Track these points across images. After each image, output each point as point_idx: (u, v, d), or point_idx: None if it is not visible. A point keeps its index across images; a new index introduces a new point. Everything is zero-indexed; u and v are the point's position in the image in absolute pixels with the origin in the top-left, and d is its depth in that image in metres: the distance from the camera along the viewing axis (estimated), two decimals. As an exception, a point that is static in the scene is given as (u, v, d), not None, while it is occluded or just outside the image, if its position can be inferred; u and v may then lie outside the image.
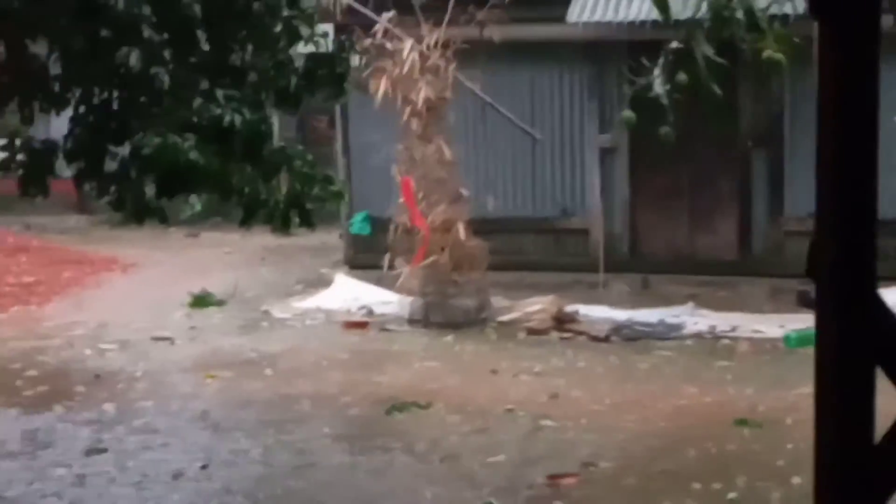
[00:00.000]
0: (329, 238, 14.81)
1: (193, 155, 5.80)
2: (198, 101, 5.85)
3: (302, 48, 6.11)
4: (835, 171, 1.54)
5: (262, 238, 13.87)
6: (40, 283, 12.92)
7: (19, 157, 7.04)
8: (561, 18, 11.35)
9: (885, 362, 1.58)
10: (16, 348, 10.01)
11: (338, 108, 13.12)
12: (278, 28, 5.93)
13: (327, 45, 6.20)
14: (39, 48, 6.69)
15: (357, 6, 11.53)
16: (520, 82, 12.11)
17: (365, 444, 7.18)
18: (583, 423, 7.57)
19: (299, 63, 6.11)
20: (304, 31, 5.92)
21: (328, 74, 6.13)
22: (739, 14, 5.19)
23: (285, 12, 5.90)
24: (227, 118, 5.79)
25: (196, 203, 16.98)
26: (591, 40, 11.55)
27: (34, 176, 6.97)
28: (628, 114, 9.32)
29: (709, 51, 5.21)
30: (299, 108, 6.65)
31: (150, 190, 5.90)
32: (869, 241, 1.55)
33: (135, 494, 6.33)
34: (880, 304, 1.59)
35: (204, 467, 6.74)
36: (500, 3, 10.76)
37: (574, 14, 11.36)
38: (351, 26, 11.27)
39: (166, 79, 5.67)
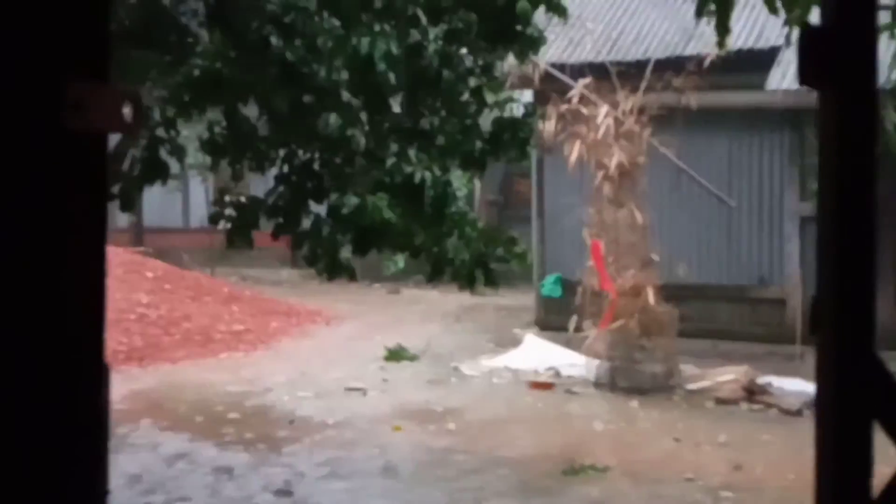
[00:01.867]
0: (525, 299, 15.02)
1: (388, 213, 6.13)
2: (391, 161, 6.18)
3: (488, 114, 6.37)
4: (835, 233, 1.59)
5: (459, 297, 14.22)
6: (249, 332, 13.68)
7: (227, 211, 7.60)
8: (760, 85, 11.24)
9: (884, 420, 1.60)
10: (221, 392, 10.64)
11: (534, 172, 13.38)
12: (465, 95, 6.21)
13: (512, 111, 6.43)
14: (250, 111, 7.25)
15: (554, 72, 11.80)
16: (717, 149, 12.02)
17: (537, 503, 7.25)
18: (764, 498, 7.38)
19: (486, 128, 6.38)
20: (490, 97, 6.18)
21: (512, 138, 6.35)
22: (924, 82, 5.09)
23: (473, 81, 6.18)
24: (417, 175, 6.08)
25: (399, 261, 17.60)
26: (791, 107, 11.36)
27: (240, 229, 7.50)
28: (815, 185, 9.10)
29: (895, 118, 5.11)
30: (484, 171, 6.90)
31: (343, 247, 6.26)
32: (868, 301, 1.58)
33: (314, 535, 6.63)
34: (878, 363, 1.61)
35: (381, 514, 6.98)
36: (698, 70, 10.77)
37: (774, 81, 11.22)
38: (548, 92, 11.56)
39: (362, 140, 6.03)
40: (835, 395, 1.61)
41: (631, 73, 11.06)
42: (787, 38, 4.45)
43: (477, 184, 19.82)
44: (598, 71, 11.44)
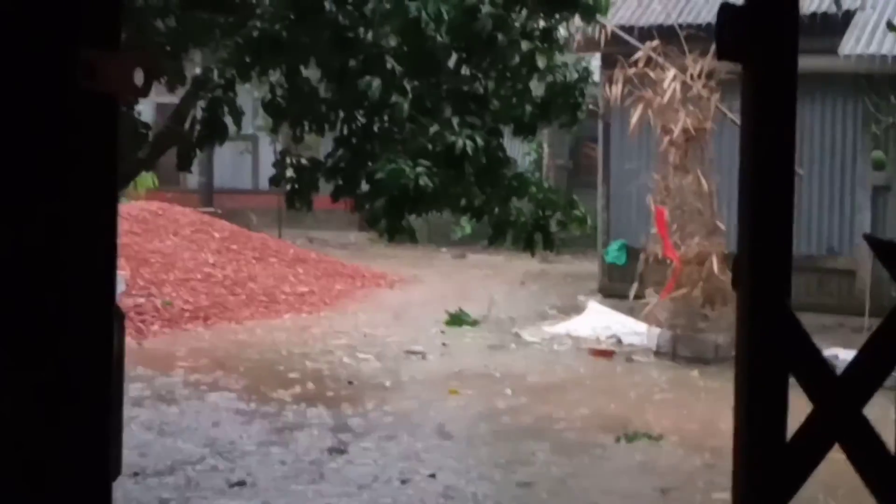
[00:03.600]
0: (590, 265, 14.93)
1: (423, 180, 6.11)
2: (434, 129, 6.16)
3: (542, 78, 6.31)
4: (751, 197, 1.56)
5: (525, 263, 14.20)
6: (313, 294, 13.82)
7: (288, 173, 7.65)
8: (833, 50, 10.95)
9: (796, 368, 1.61)
10: (284, 352, 10.78)
11: (600, 137, 13.24)
12: (517, 60, 6.15)
13: (566, 76, 6.36)
14: (311, 74, 7.27)
15: (622, 34, 11.63)
16: (788, 115, 11.77)
17: (585, 466, 7.24)
18: (821, 469, 7.26)
19: (538, 92, 6.32)
20: (542, 62, 6.11)
21: (563, 104, 6.29)
22: None
23: (525, 45, 6.12)
24: (458, 144, 6.05)
25: (466, 226, 17.73)
26: (865, 73, 11.05)
27: (300, 191, 7.55)
28: (878, 154, 8.88)
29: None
30: (535, 135, 6.84)
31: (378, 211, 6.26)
32: (783, 259, 1.57)
33: (364, 495, 6.70)
34: (792, 318, 1.62)
35: (432, 475, 7.02)
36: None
37: (848, 46, 10.93)
38: (616, 55, 11.41)
39: (406, 107, 6.02)
40: (750, 348, 1.63)
41: (700, 36, 10.86)
42: (863, 2, 4.30)
43: (545, 148, 19.71)
44: (667, 33, 11.26)
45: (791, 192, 1.60)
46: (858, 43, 10.85)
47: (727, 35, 1.57)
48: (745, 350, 1.66)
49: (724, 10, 1.56)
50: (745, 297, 1.64)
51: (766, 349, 1.62)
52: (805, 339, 1.68)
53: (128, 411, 8.29)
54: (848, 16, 10.99)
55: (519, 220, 6.95)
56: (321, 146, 11.47)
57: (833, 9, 10.60)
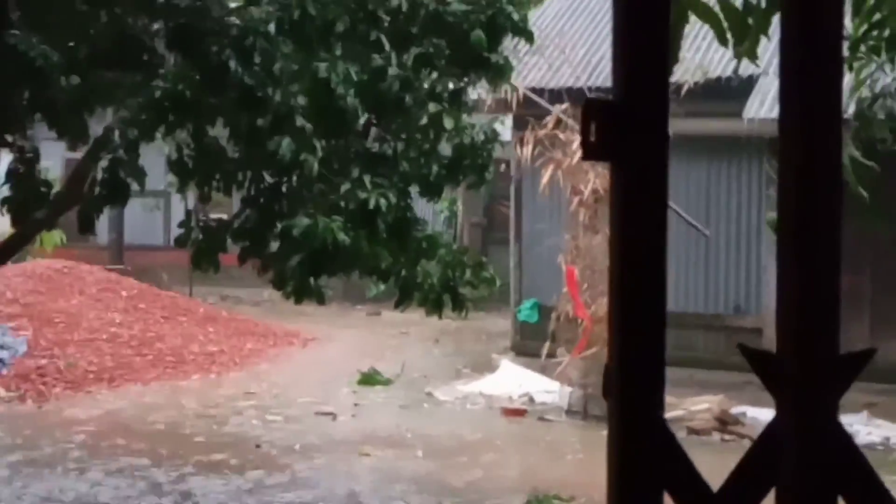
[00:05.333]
0: (506, 323, 14.93)
1: (341, 236, 6.06)
2: (346, 186, 6.13)
3: (448, 140, 6.33)
4: (623, 304, 1.55)
5: (440, 320, 14.13)
6: (223, 353, 13.57)
7: (195, 234, 7.52)
8: (737, 113, 11.22)
9: (670, 485, 1.58)
10: (189, 415, 10.53)
11: (512, 197, 13.34)
12: (424, 121, 6.16)
13: (473, 137, 6.39)
14: (219, 133, 7.18)
15: (533, 97, 11.77)
16: (695, 176, 12.00)
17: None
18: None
19: (446, 153, 6.33)
20: (449, 123, 6.13)
21: (471, 165, 6.31)
22: (881, 116, 5.06)
23: (432, 107, 6.14)
24: (372, 201, 6.03)
25: (379, 283, 17.37)
26: (768, 135, 11.33)
27: (207, 252, 7.42)
28: (772, 216, 9.05)
29: (855, 152, 5.08)
30: (441, 196, 6.85)
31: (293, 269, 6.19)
32: (656, 369, 1.55)
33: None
34: (666, 430, 1.59)
35: (339, 543, 6.88)
36: (675, 98, 10.75)
37: (752, 110, 11.20)
38: (526, 117, 11.53)
39: (315, 166, 5.98)
40: (622, 464, 1.59)
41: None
42: (766, 67, 4.39)
43: (460, 207, 19.79)
44: (576, 96, 11.41)
45: (663, 299, 1.57)
46: (762, 107, 11.13)
47: (594, 133, 1.54)
48: (616, 466, 1.62)
49: (590, 106, 1.54)
50: (616, 409, 1.60)
51: (639, 465, 1.58)
52: (680, 455, 1.64)
53: (14, 481, 8.00)
54: (751, 81, 11.28)
55: (426, 283, 6.92)
56: (233, 203, 11.35)
57: (736, 74, 10.87)
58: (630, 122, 1.55)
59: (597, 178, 10.73)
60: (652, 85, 1.59)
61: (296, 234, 6.03)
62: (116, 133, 6.47)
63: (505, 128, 12.71)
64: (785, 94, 1.63)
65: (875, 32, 4.87)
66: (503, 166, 11.94)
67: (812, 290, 1.58)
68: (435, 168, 6.21)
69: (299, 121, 5.91)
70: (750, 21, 4.04)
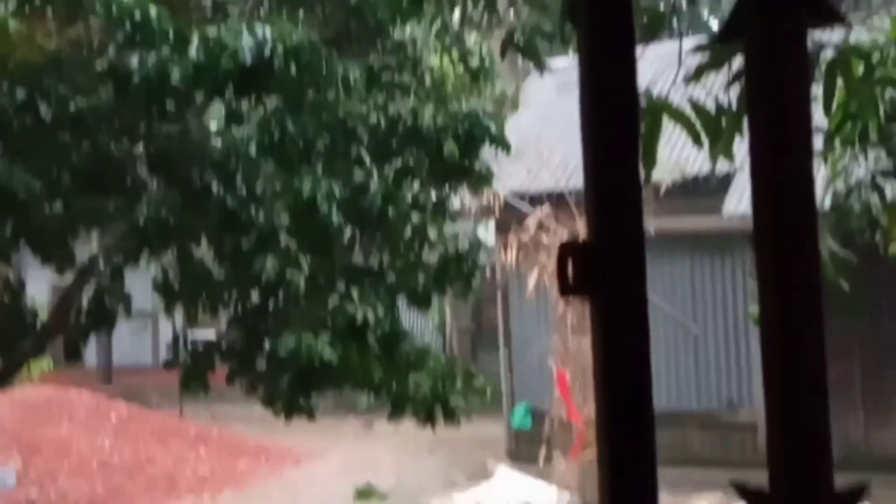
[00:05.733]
0: (500, 428, 14.78)
1: (328, 354, 6.04)
2: (333, 302, 6.13)
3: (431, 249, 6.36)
4: (611, 443, 1.53)
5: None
6: (216, 474, 13.35)
7: (182, 356, 7.48)
8: (717, 209, 11.32)
9: None
10: (183, 539, 10.32)
11: (499, 301, 13.35)
12: (409, 233, 6.20)
13: (457, 246, 6.42)
14: (204, 252, 7.20)
15: (514, 202, 11.88)
16: (679, 272, 12.05)
17: None
18: None
19: (431, 263, 6.35)
20: (433, 233, 6.17)
21: (457, 274, 6.33)
22: (857, 208, 5.11)
23: (416, 218, 6.18)
24: (360, 316, 6.02)
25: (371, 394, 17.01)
26: (749, 231, 11.43)
27: (195, 373, 7.37)
28: (754, 309, 9.07)
29: (833, 245, 5.12)
30: (430, 306, 6.86)
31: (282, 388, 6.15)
32: (648, 471, 1.52)
33: None
34: None
35: None
36: (655, 196, 10.85)
37: (731, 205, 11.31)
38: (509, 221, 11.62)
39: (302, 283, 5.98)
40: None
41: (589, 201, 11.13)
42: (742, 163, 4.45)
43: (448, 311, 19.77)
44: (557, 199, 11.53)
45: (652, 434, 1.55)
46: (740, 202, 11.24)
47: (571, 273, 1.54)
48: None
49: (565, 249, 1.54)
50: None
51: None
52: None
53: None
54: (728, 177, 11.42)
55: (418, 395, 6.88)
56: (220, 319, 11.32)
57: (713, 171, 11.00)
58: (606, 261, 1.55)
59: (582, 279, 10.76)
60: (626, 224, 1.60)
61: (283, 354, 6.01)
62: (101, 260, 6.48)
63: (488, 232, 12.80)
64: (757, 190, 1.64)
65: (848, 125, 4.95)
66: (489, 271, 11.98)
67: (801, 416, 1.56)
68: (422, 279, 6.22)
69: (284, 239, 5.94)
70: (723, 122, 4.12)
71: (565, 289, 1.51)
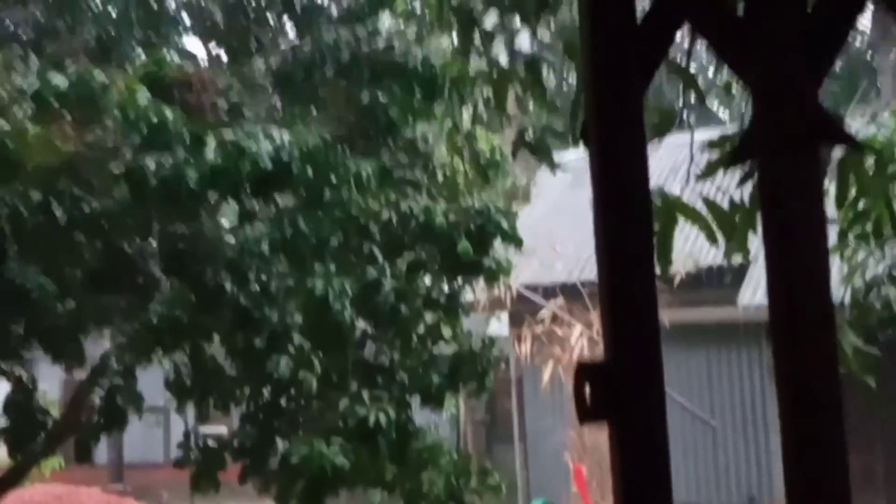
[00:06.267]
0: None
1: (340, 460, 5.95)
2: (344, 403, 6.07)
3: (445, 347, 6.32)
4: None
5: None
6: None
7: (193, 454, 7.39)
8: (732, 300, 11.26)
9: None
10: None
11: (513, 394, 13.22)
12: (422, 330, 6.16)
13: (471, 344, 6.37)
14: (216, 349, 7.16)
15: (527, 294, 11.85)
16: (695, 364, 11.93)
17: None
18: None
19: (444, 362, 6.30)
20: (446, 331, 6.13)
21: (470, 372, 6.27)
22: (877, 303, 5.07)
23: (429, 317, 6.15)
24: (371, 418, 5.96)
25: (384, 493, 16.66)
26: (765, 322, 11.35)
27: (206, 472, 7.27)
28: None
29: (856, 340, 5.06)
30: (443, 406, 6.79)
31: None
32: None
33: None
34: None
35: None
36: (669, 288, 10.80)
37: (745, 297, 11.25)
38: (522, 314, 11.57)
39: (314, 383, 5.93)
40: None
41: (603, 293, 11.08)
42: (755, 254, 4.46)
43: (461, 405, 19.60)
44: (570, 291, 11.49)
45: None
46: (755, 294, 11.18)
47: (590, 396, 1.52)
48: None
49: (583, 371, 1.52)
50: None
51: None
52: None
53: None
54: (743, 268, 11.38)
55: (432, 493, 6.77)
56: (232, 416, 11.22)
57: (728, 263, 10.97)
58: (623, 382, 1.52)
59: (597, 372, 10.67)
60: (642, 344, 1.58)
61: (295, 461, 5.94)
62: (113, 359, 6.45)
63: (501, 324, 12.74)
64: (772, 284, 1.61)
65: (861, 221, 4.94)
66: (503, 365, 11.89)
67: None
68: (435, 378, 6.16)
69: (296, 338, 5.90)
70: (737, 218, 4.11)
71: (584, 415, 1.48)
